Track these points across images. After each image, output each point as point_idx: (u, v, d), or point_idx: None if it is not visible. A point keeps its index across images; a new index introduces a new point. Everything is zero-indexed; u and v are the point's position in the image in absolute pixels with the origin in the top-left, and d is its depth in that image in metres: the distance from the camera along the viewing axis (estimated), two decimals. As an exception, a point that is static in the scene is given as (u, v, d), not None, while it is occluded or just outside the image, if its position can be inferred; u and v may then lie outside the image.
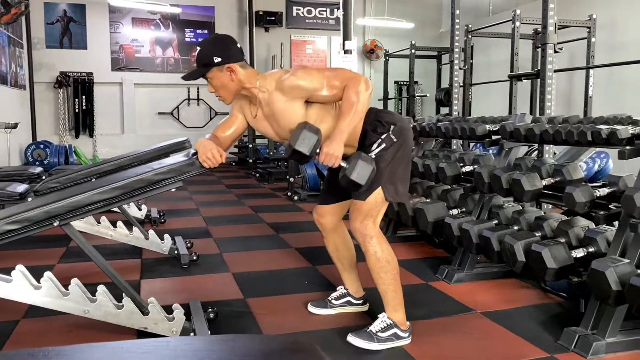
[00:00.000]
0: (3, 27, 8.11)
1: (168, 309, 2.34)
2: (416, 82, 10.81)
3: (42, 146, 8.82)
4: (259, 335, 1.14)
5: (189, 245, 3.82)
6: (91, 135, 10.55)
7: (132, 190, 2.12)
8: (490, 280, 3.14)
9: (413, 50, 9.75)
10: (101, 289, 2.21)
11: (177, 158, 2.28)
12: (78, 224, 3.53)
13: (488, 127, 3.33)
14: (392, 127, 2.27)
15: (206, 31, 10.96)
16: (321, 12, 11.60)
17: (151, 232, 3.62)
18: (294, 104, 2.19)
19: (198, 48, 2.25)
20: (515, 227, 2.90)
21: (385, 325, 2.28)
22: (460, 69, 5.26)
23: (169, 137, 4.31)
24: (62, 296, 2.13)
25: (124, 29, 10.58)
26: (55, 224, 2.07)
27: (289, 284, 3.13)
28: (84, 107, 10.41)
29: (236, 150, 10.34)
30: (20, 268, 2.11)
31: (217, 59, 2.19)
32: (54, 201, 2.03)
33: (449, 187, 3.62)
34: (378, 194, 2.24)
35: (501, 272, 3.16)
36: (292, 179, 6.48)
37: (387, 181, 2.25)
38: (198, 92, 10.93)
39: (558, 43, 7.27)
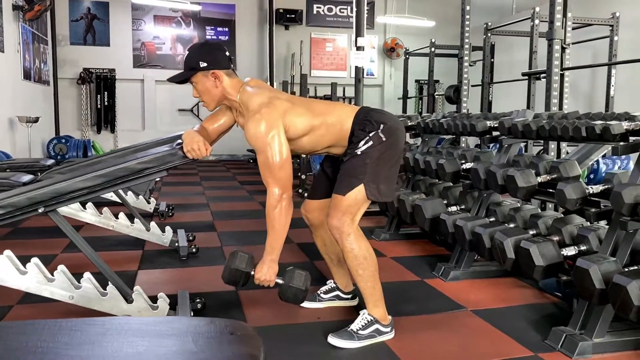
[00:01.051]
0: (27, 23, 8.30)
1: (157, 299, 2.36)
2: (437, 81, 10.71)
3: (63, 141, 9.01)
4: (201, 317, 1.14)
5: (191, 238, 3.85)
6: (112, 131, 10.73)
7: (115, 179, 2.14)
8: (487, 278, 3.09)
9: (433, 49, 9.67)
10: (87, 275, 2.24)
11: (162, 148, 2.30)
12: (81, 214, 3.60)
13: (489, 123, 3.27)
14: (382, 125, 2.25)
15: (227, 29, 11.05)
16: (342, 10, 11.58)
17: (153, 224, 3.66)
18: None
19: (187, 52, 2.29)
20: (512, 225, 2.85)
21: (366, 322, 2.26)
22: (469, 65, 5.20)
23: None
24: (47, 282, 2.16)
25: (146, 27, 10.74)
26: (40, 210, 2.11)
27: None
28: (106, 103, 10.60)
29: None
30: (7, 253, 2.16)
31: (203, 64, 2.21)
32: (38, 188, 2.07)
33: (451, 184, 3.57)
34: (359, 192, 2.21)
35: (499, 270, 3.10)
36: (303, 177, 6.48)
37: (370, 179, 2.22)
38: (218, 89, 11.01)
39: (581, 41, 7.15)
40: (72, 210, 3.55)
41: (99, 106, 10.59)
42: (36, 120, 7.69)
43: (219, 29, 11.02)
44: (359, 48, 5.97)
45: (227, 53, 2.31)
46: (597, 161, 6.12)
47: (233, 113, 2.41)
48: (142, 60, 10.76)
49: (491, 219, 2.98)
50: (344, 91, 11.40)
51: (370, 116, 2.28)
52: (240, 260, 2.21)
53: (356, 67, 6.07)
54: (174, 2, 9.92)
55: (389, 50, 11.91)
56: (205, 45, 2.34)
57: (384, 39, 11.98)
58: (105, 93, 10.56)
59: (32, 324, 1.05)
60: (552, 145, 3.81)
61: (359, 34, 5.95)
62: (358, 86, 6.06)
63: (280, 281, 2.22)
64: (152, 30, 10.77)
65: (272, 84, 10.66)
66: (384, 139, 2.23)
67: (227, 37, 11.09)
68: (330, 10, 11.58)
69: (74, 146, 8.49)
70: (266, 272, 2.20)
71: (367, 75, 11.92)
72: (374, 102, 11.77)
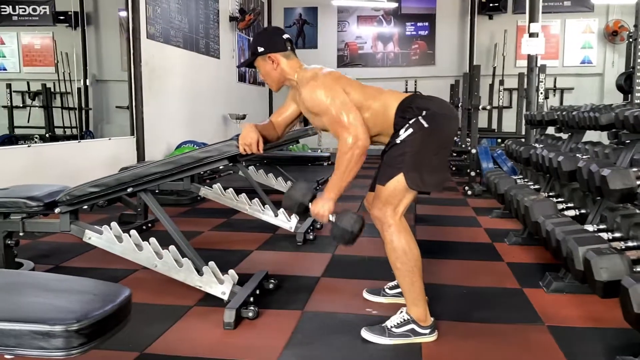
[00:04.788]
0: (243, 32, 9.49)
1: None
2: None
3: (271, 135, 10.08)
4: (94, 280, 1.36)
5: (318, 226, 4.07)
6: (318, 126, 11.58)
7: (182, 165, 2.46)
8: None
9: (660, 29, 8.24)
10: (172, 248, 2.61)
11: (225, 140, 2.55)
12: (222, 199, 4.07)
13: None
14: (425, 112, 2.16)
15: (427, 23, 11.01)
16: (555, -7, 10.59)
17: (281, 210, 3.96)
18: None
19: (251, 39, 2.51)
20: (617, 234, 2.42)
21: (402, 320, 2.20)
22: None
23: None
24: (136, 250, 2.59)
25: (349, 28, 11.32)
26: (129, 190, 2.54)
27: (374, 271, 3.14)
28: (313, 101, 11.48)
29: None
30: (113, 225, 2.64)
31: (261, 49, 2.38)
32: (125, 171, 2.50)
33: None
34: (398, 181, 2.16)
35: (618, 287, 2.65)
36: (472, 173, 6.21)
37: (410, 168, 2.15)
38: (415, 84, 11.02)
39: None
40: (215, 194, 4.07)
41: (306, 104, 11.53)
42: (243, 117, 8.77)
43: (419, 24, 11.04)
44: (531, 35, 5.50)
45: (286, 36, 2.40)
46: None
47: (297, 99, 2.50)
48: (344, 60, 11.38)
49: (600, 227, 2.57)
50: (554, 82, 10.46)
51: (414, 103, 2.21)
52: (300, 190, 2.27)
53: (529, 55, 5.60)
54: (374, 2, 10.26)
55: (611, 35, 10.47)
56: (263, 31, 2.55)
57: (605, 21, 10.59)
58: (313, 92, 11.44)
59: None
60: None
61: (532, 19, 5.49)
62: (530, 76, 5.59)
63: (332, 219, 2.22)
64: (355, 30, 11.30)
65: (471, 77, 10.27)
66: (425, 126, 2.14)
67: (426, 32, 11.05)
68: (540, -6, 10.67)
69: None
70: (321, 207, 2.19)
71: (584, 63, 10.74)
72: (592, 92, 10.51)
